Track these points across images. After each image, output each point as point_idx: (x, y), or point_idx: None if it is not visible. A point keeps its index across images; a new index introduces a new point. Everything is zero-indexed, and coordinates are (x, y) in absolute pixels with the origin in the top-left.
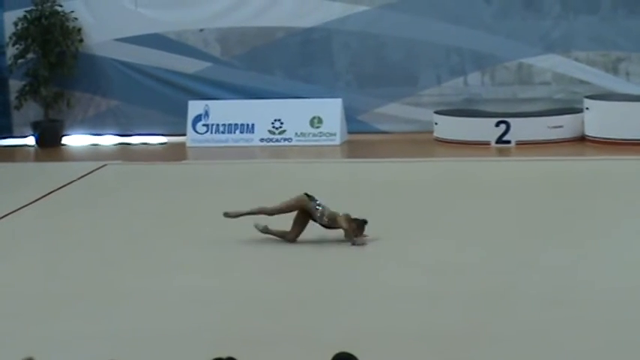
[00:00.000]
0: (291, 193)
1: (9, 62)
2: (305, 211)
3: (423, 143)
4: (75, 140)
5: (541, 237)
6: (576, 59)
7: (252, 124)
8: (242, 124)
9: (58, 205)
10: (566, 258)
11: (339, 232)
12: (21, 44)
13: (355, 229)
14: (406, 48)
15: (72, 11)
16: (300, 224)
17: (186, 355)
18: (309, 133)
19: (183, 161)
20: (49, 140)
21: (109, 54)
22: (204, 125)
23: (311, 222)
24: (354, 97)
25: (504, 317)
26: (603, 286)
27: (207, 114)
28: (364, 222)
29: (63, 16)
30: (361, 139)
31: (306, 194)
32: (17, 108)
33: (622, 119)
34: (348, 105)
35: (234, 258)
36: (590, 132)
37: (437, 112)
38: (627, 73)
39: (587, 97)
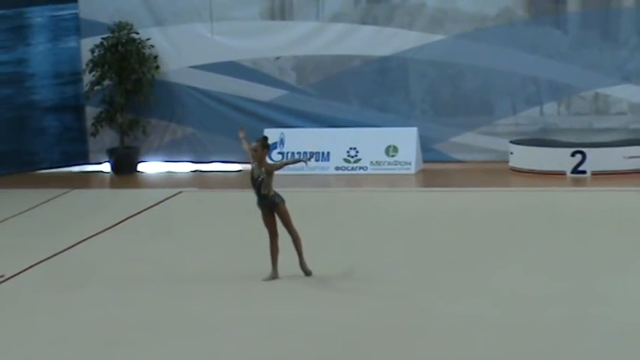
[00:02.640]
0: (365, 222)
1: (85, 89)
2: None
3: (498, 173)
4: (150, 167)
5: (615, 268)
6: None
7: (328, 153)
8: (317, 153)
9: (133, 231)
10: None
11: (409, 257)
12: (97, 71)
13: (261, 151)
14: (482, 77)
15: (148, 38)
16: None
17: None
18: (385, 162)
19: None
20: (125, 167)
21: (185, 81)
22: (279, 153)
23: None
24: (429, 126)
25: (577, 349)
26: None
27: (282, 142)
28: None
29: (139, 43)
30: (436, 168)
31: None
32: (93, 135)
33: None
34: (424, 134)
35: (308, 287)
36: None
37: (512, 142)
38: None
39: None
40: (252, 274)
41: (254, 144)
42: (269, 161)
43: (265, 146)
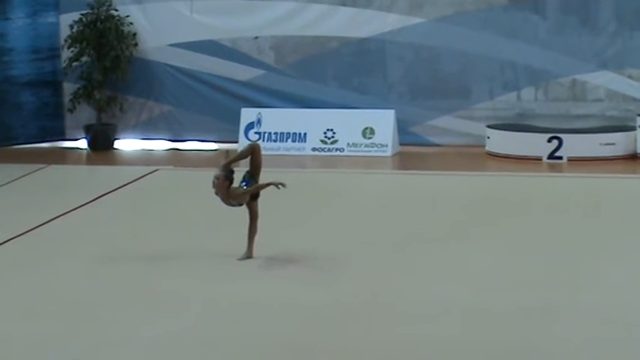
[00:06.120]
0: (340, 204)
1: (63, 65)
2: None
3: (474, 157)
4: (127, 144)
5: (590, 254)
6: (630, 77)
7: (305, 133)
8: (294, 133)
9: (108, 209)
10: (616, 277)
11: (384, 240)
12: (76, 47)
13: (222, 181)
14: (460, 61)
15: (127, 16)
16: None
17: None
18: (361, 144)
19: (235, 168)
20: (101, 144)
21: (163, 59)
22: (256, 133)
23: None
24: (406, 108)
25: (551, 335)
26: None
27: (259, 122)
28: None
29: (118, 20)
30: (413, 151)
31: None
32: (70, 111)
33: None
34: (401, 117)
35: (282, 267)
36: None
37: (489, 126)
38: None
39: None
40: (226, 253)
41: (218, 172)
42: (238, 188)
43: (228, 178)
